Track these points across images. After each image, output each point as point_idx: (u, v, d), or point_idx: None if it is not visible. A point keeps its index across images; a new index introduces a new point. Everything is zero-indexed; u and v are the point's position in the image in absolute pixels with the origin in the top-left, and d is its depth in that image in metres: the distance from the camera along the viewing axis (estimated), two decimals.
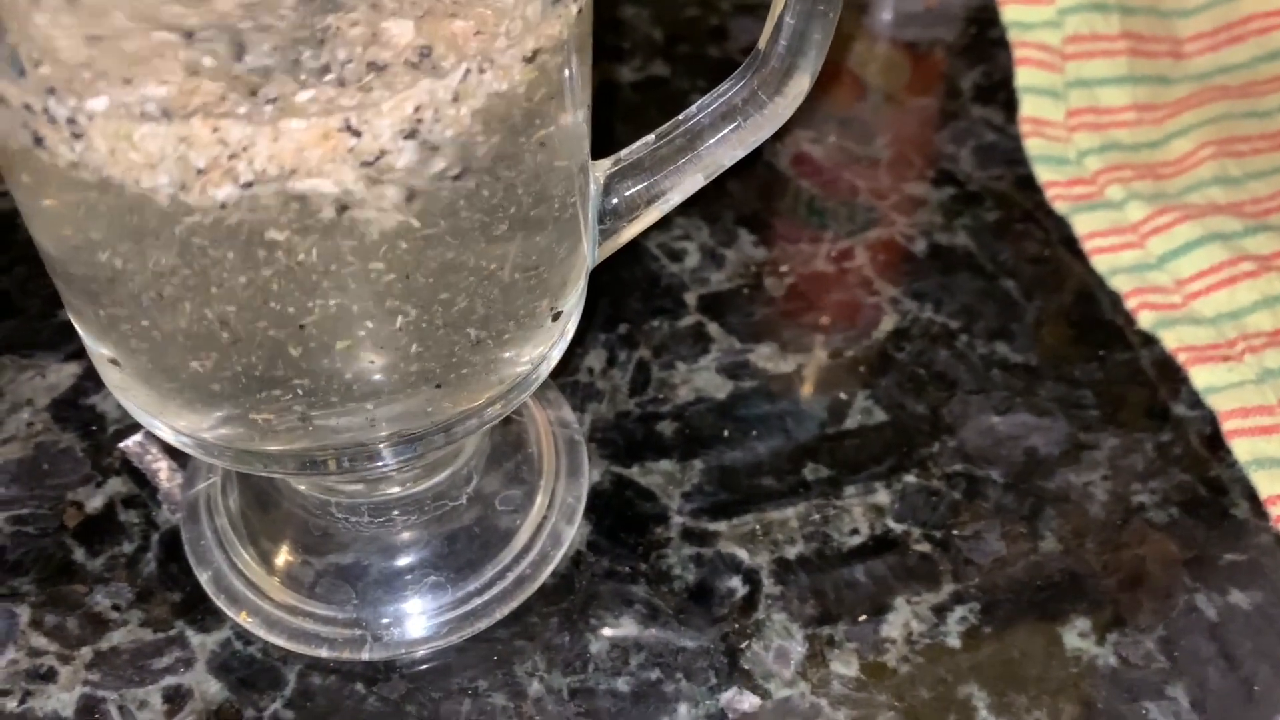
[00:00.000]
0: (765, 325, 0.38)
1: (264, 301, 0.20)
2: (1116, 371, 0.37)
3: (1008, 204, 0.42)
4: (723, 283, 0.39)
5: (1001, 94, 0.45)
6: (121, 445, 0.34)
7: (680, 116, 0.26)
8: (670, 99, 0.45)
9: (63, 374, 0.36)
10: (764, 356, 0.37)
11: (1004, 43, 0.47)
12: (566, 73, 0.22)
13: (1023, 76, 0.43)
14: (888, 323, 0.38)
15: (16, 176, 0.21)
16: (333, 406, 0.23)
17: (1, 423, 0.34)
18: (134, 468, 0.33)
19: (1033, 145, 0.42)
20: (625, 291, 0.39)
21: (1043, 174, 0.42)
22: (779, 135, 0.44)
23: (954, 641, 0.31)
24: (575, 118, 0.23)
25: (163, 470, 0.33)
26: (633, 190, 0.26)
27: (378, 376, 0.23)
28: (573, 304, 0.26)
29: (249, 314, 0.21)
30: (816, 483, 0.34)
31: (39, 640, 0.30)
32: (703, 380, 0.36)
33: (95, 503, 0.33)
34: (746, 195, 0.41)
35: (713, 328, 0.38)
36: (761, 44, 0.25)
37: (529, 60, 0.20)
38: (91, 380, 0.35)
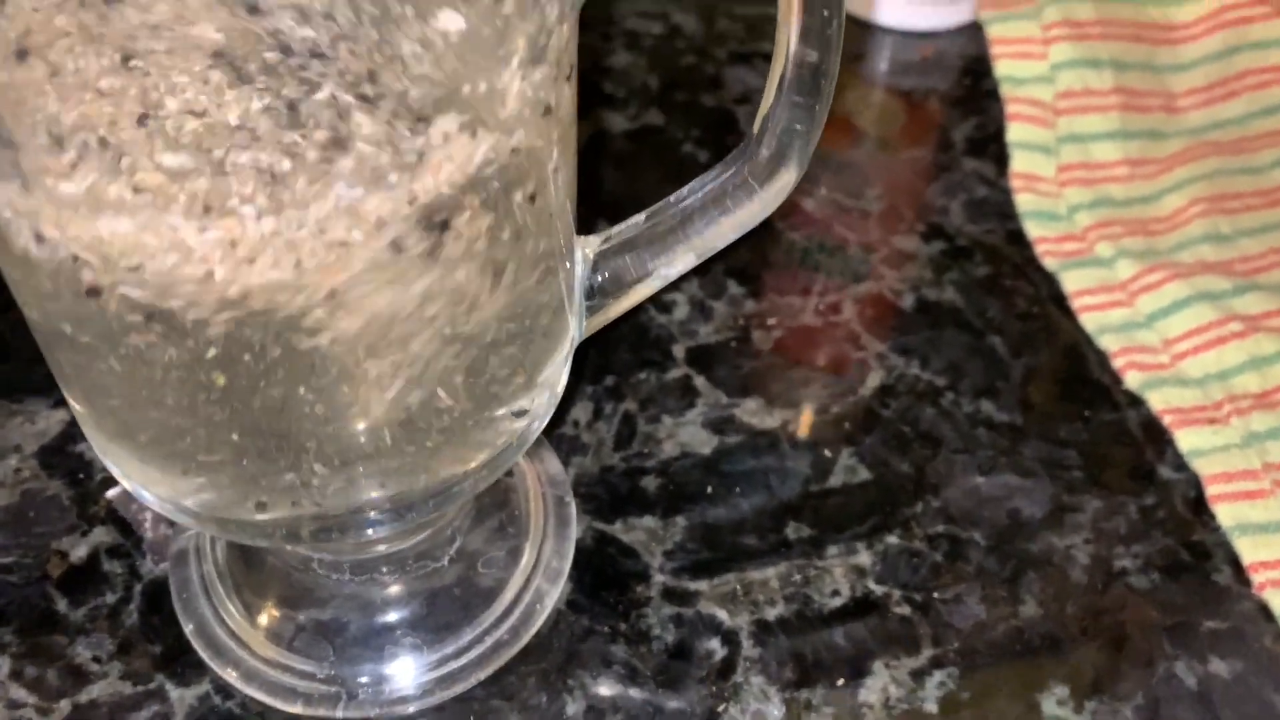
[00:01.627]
0: (752, 379, 0.38)
1: (242, 392, 0.21)
2: (1102, 432, 0.37)
3: (997, 259, 0.42)
4: (711, 335, 0.39)
5: (994, 147, 0.45)
6: (108, 494, 0.34)
7: (671, 198, 0.26)
8: (664, 148, 0.45)
9: (52, 420, 0.36)
10: (750, 411, 0.37)
11: (998, 94, 0.47)
12: (550, 164, 0.22)
13: (1014, 132, 0.43)
14: (874, 379, 0.38)
15: (8, 267, 0.21)
16: (315, 478, 0.24)
17: None
18: (119, 517, 0.34)
19: (1023, 201, 0.42)
20: (613, 343, 0.39)
21: (1033, 229, 0.42)
22: None
23: (931, 707, 0.31)
24: (559, 197, 0.23)
25: (148, 520, 0.33)
26: (622, 268, 0.26)
27: (363, 448, 0.23)
28: (554, 377, 0.26)
29: (225, 403, 0.21)
30: (799, 542, 0.34)
31: (18, 692, 0.30)
32: (688, 434, 0.36)
33: (80, 552, 0.33)
34: (736, 246, 0.41)
35: (700, 381, 0.38)
36: (753, 132, 0.25)
37: (514, 151, 0.20)
38: (78, 430, 0.36)
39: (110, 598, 0.32)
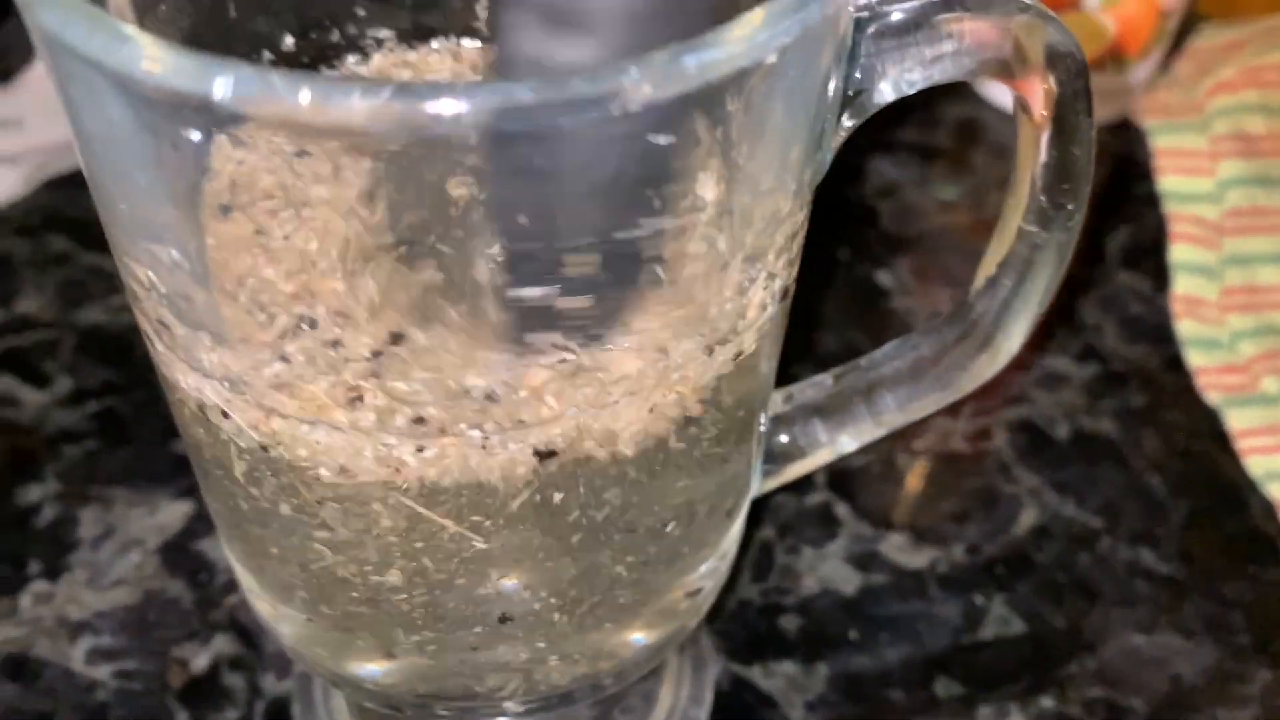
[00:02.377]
0: (898, 509, 0.36)
1: (403, 565, 0.19)
2: (1269, 591, 0.35)
3: (1155, 387, 0.39)
4: (853, 457, 0.37)
5: (1149, 261, 0.43)
6: (230, 601, 0.33)
7: (862, 361, 0.25)
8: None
9: (174, 513, 0.35)
10: (896, 547, 0.35)
11: (1152, 200, 0.45)
12: (771, 348, 0.20)
13: (1177, 252, 0.41)
14: (1027, 518, 0.36)
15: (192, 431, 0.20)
16: (455, 657, 0.22)
17: (112, 563, 0.33)
18: (241, 625, 0.32)
19: (1184, 328, 0.40)
20: None
21: (1194, 358, 0.40)
22: (911, 291, 0.42)
23: None
24: (771, 375, 0.22)
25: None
26: (802, 434, 0.25)
27: (516, 634, 0.22)
28: (731, 543, 0.25)
29: (382, 572, 0.20)
30: (948, 700, 0.32)
31: None
32: (830, 569, 0.34)
33: (201, 662, 0.32)
34: None
35: (842, 509, 0.36)
36: (972, 298, 0.23)
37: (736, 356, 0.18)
38: (203, 522, 0.34)
39: (231, 715, 0.31)
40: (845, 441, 0.25)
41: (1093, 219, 0.44)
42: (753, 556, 0.35)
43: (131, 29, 0.12)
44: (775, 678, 0.32)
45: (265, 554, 0.21)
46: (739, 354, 0.18)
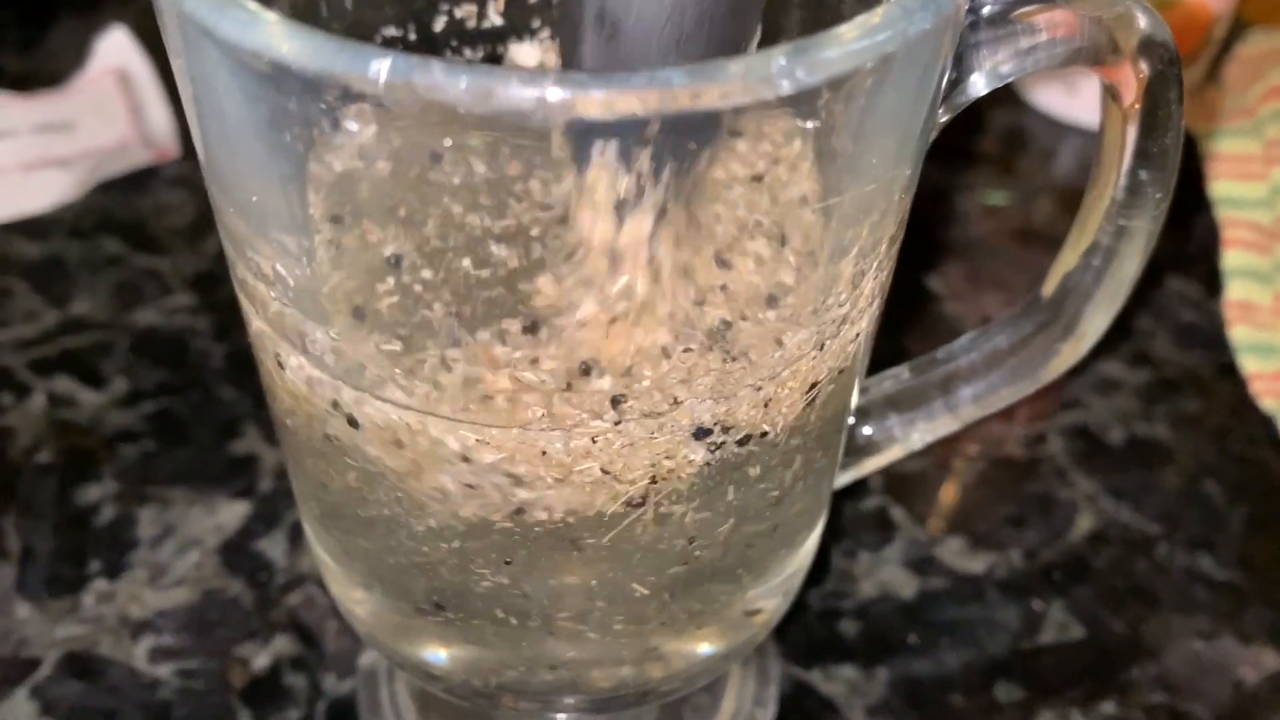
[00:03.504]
0: (954, 514, 0.36)
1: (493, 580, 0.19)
2: None
3: (1209, 394, 0.39)
4: (908, 463, 0.37)
5: (1200, 267, 0.43)
6: (289, 600, 0.33)
7: (939, 353, 0.24)
8: None
9: (232, 513, 0.35)
10: (953, 551, 0.35)
11: (1203, 206, 0.44)
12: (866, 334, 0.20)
13: (1231, 259, 0.41)
14: (1084, 523, 0.36)
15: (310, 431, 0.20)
16: (527, 645, 0.22)
17: (171, 563, 0.34)
18: (301, 624, 0.32)
19: (1238, 333, 0.40)
20: None
21: (1248, 364, 0.39)
22: (961, 295, 0.42)
23: None
24: (864, 364, 0.22)
25: (331, 630, 0.32)
26: (878, 426, 0.25)
27: (600, 628, 0.22)
28: (818, 531, 0.25)
29: (474, 584, 0.20)
30: (1009, 705, 0.32)
31: None
32: (887, 574, 0.34)
33: (261, 661, 0.32)
34: None
35: (897, 513, 0.36)
36: (1046, 290, 0.23)
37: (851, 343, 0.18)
38: (261, 522, 0.35)
39: (294, 714, 0.31)
40: (920, 436, 0.25)
41: None
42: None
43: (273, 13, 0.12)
44: (836, 682, 0.32)
45: (355, 545, 0.21)
46: (845, 349, 0.18)
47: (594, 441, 0.16)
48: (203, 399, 0.38)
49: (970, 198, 0.46)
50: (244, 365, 0.39)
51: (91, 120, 0.45)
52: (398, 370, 0.16)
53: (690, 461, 0.17)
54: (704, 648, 0.23)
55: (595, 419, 0.16)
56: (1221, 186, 0.42)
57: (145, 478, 0.36)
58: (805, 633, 0.33)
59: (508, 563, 0.19)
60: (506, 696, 0.24)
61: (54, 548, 0.34)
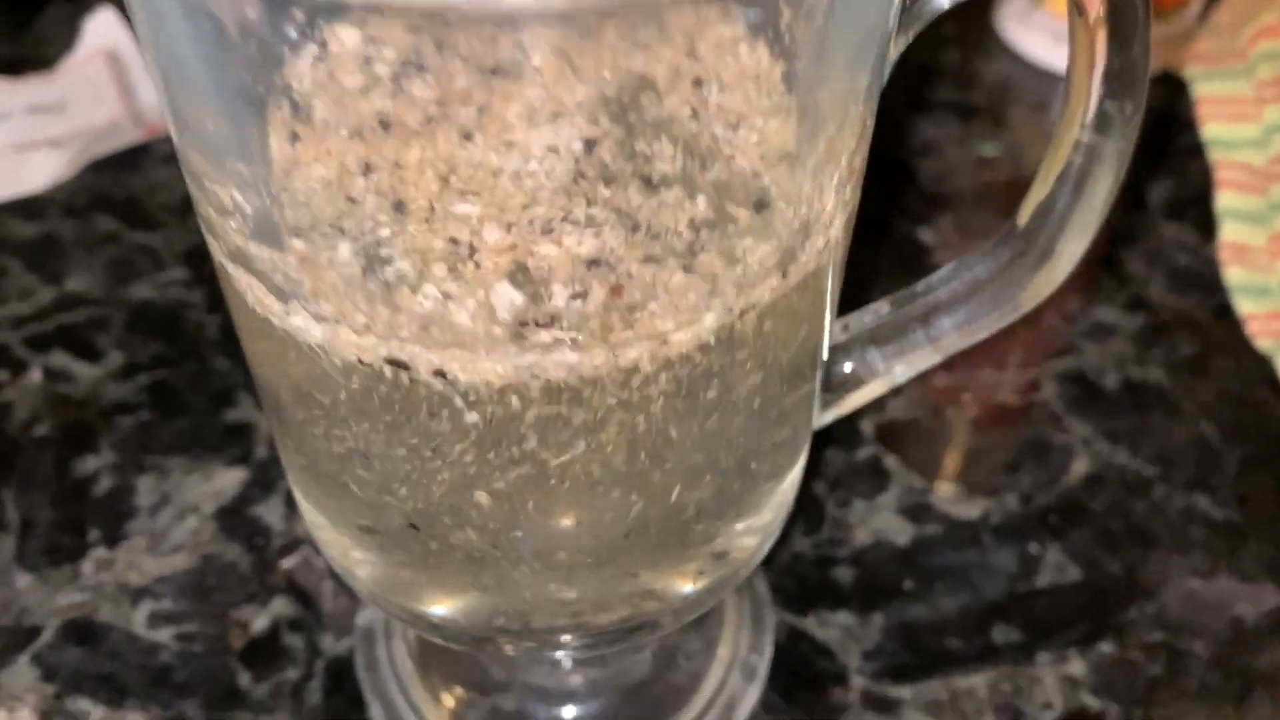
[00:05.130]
0: (948, 461, 0.36)
1: (469, 477, 0.19)
2: None
3: (1204, 336, 0.39)
4: (900, 411, 0.37)
5: (1194, 211, 0.43)
6: (285, 564, 0.33)
7: (918, 286, 0.24)
8: None
9: (229, 479, 0.35)
10: (947, 498, 0.35)
11: (1195, 152, 0.44)
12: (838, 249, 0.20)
13: (1223, 200, 0.41)
14: (1080, 466, 0.36)
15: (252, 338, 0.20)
16: (519, 580, 0.22)
17: (169, 530, 0.34)
18: (299, 587, 0.33)
19: (1232, 274, 0.40)
20: None
21: (1243, 305, 0.39)
22: (954, 247, 0.42)
23: None
24: (837, 291, 0.22)
25: (327, 593, 0.32)
26: (859, 362, 0.25)
27: (575, 552, 0.22)
28: (797, 472, 0.25)
29: (448, 486, 0.20)
30: (1006, 647, 0.32)
31: None
32: (881, 522, 0.34)
33: (260, 623, 0.32)
34: None
35: (890, 461, 0.36)
36: (1021, 220, 0.23)
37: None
38: (257, 487, 0.35)
39: (293, 674, 0.31)
40: (903, 369, 0.25)
41: (1134, 172, 0.43)
42: (803, 510, 0.35)
43: None
44: (831, 628, 0.32)
45: (346, 494, 0.21)
46: (809, 270, 0.18)
47: (547, 353, 0.16)
48: (198, 370, 0.38)
49: (961, 150, 0.46)
50: (238, 336, 0.39)
51: (83, 100, 0.46)
52: (359, 295, 0.16)
53: (651, 376, 0.17)
54: (682, 585, 0.23)
55: (556, 329, 0.16)
56: (1213, 129, 0.42)
57: (142, 448, 0.36)
58: (800, 581, 0.33)
59: (473, 480, 0.19)
60: (503, 639, 0.24)
61: (53, 518, 0.34)
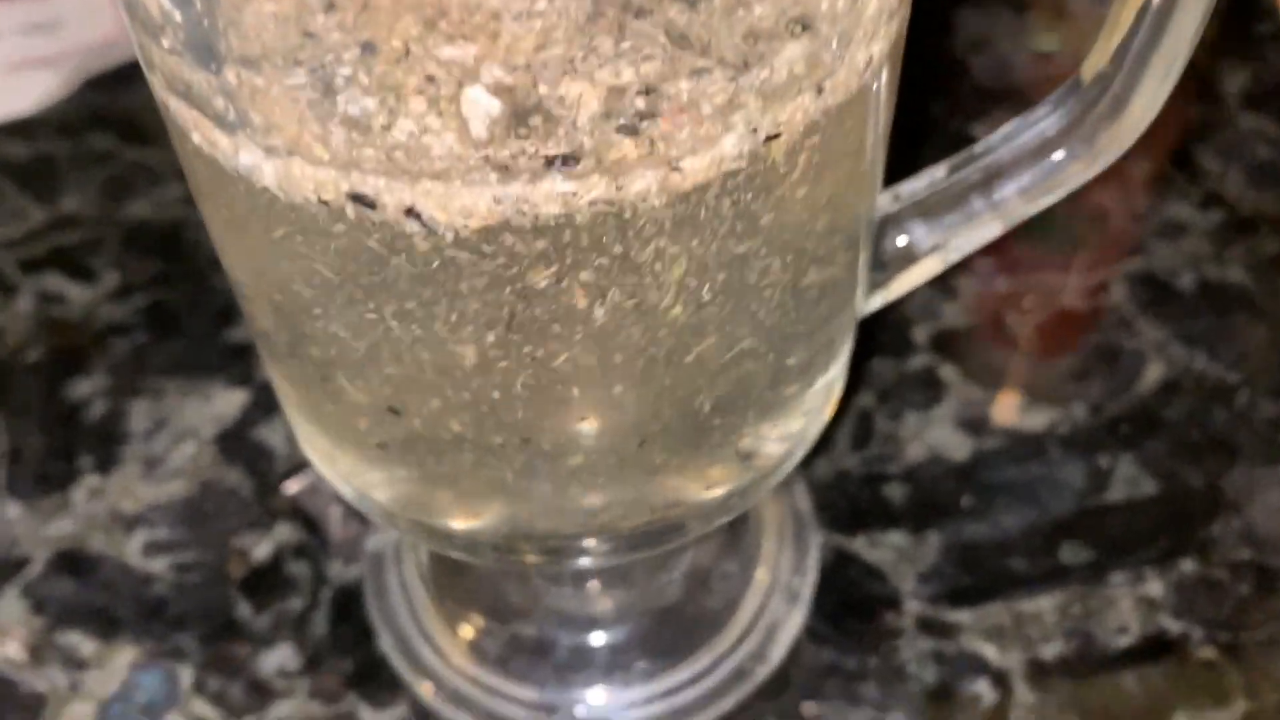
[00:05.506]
0: (1009, 371, 0.33)
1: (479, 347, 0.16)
2: None
3: None
4: (957, 318, 0.34)
5: (1274, 101, 0.39)
6: (290, 489, 0.31)
7: (976, 148, 0.21)
8: None
9: (229, 402, 0.33)
10: (1008, 409, 0.32)
11: (1275, 39, 0.40)
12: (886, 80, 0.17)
13: None
14: (1153, 373, 0.32)
15: (215, 204, 0.17)
16: (534, 478, 0.19)
17: (166, 455, 0.32)
18: (304, 513, 0.30)
19: None
20: None
21: None
22: None
23: None
24: (881, 143, 0.19)
25: (334, 516, 0.30)
26: (913, 235, 0.22)
27: (597, 450, 0.19)
28: (837, 371, 0.22)
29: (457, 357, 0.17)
30: (1076, 567, 0.29)
31: (202, 707, 0.27)
32: (936, 435, 0.31)
33: (262, 551, 0.30)
34: None
35: (946, 370, 0.33)
36: (1091, 65, 0.20)
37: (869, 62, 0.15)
38: (259, 409, 0.32)
39: (296, 603, 0.29)
40: (961, 242, 0.22)
41: (1210, 61, 0.40)
42: (850, 425, 0.32)
43: None
44: (882, 548, 0.29)
45: (335, 394, 0.18)
46: (850, 93, 0.15)
47: (534, 182, 0.14)
48: (196, 289, 0.35)
49: (1015, 43, 0.42)
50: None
51: (77, 17, 0.43)
52: (314, 124, 0.14)
53: (661, 215, 0.14)
54: (704, 489, 0.20)
55: (541, 144, 0.13)
56: None
57: (138, 371, 0.33)
58: (847, 499, 0.30)
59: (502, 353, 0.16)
60: (524, 548, 0.21)
61: (43, 445, 0.32)
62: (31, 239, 0.37)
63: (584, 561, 0.21)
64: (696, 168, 0.14)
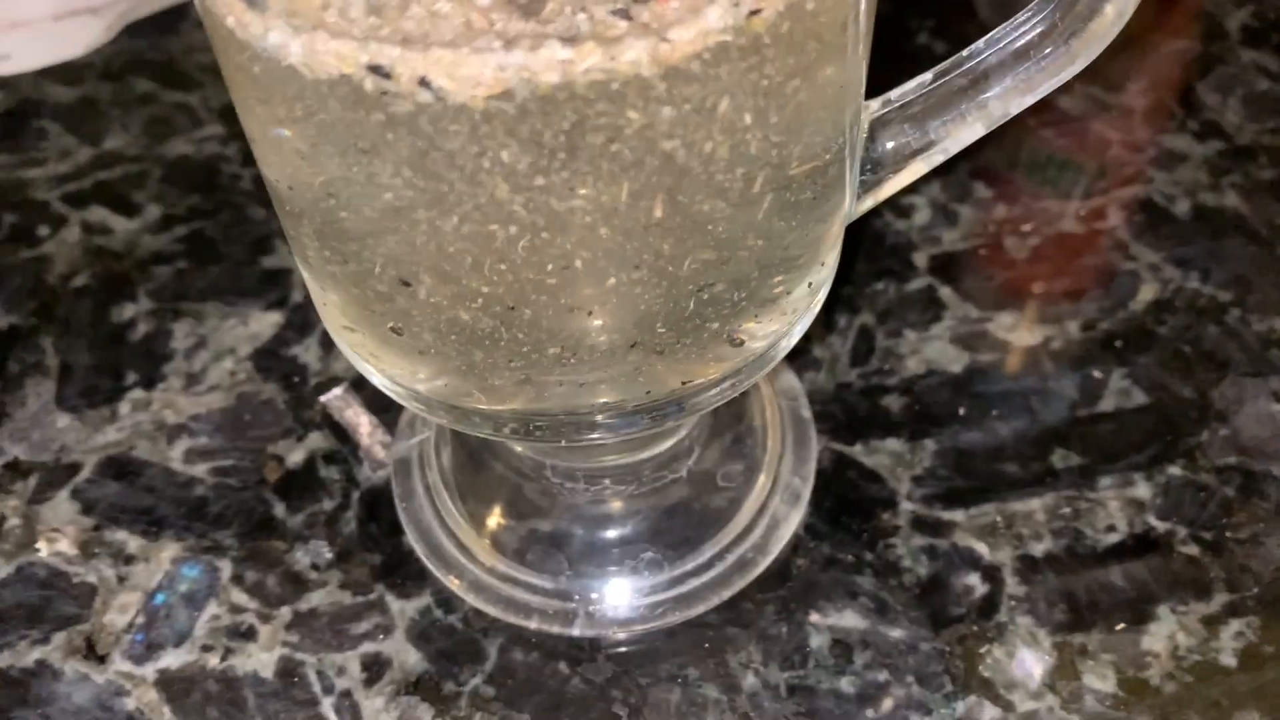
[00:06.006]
0: (1006, 291, 0.34)
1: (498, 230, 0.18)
2: None
3: None
4: (957, 242, 0.35)
5: (1276, 36, 0.40)
6: (323, 398, 0.32)
7: (964, 53, 0.23)
8: (895, 38, 0.41)
9: (265, 323, 0.35)
10: (1004, 326, 0.33)
11: None
12: None
13: None
14: (1147, 292, 0.34)
15: (244, 87, 0.19)
16: (548, 368, 0.21)
17: (206, 371, 0.33)
18: (335, 422, 0.32)
19: None
20: (845, 249, 0.35)
21: None
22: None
23: (1228, 660, 0.27)
24: (861, 34, 0.20)
25: (364, 426, 0.32)
26: (901, 137, 0.23)
27: (599, 335, 0.20)
28: (826, 271, 0.23)
29: (479, 245, 0.18)
30: (1066, 471, 0.30)
31: (240, 597, 0.29)
32: (934, 351, 0.33)
33: (296, 457, 0.32)
34: (983, 144, 0.37)
35: (945, 292, 0.34)
36: None
37: None
38: (293, 330, 0.34)
39: (328, 504, 0.31)
40: (946, 144, 0.23)
41: (1215, 1, 0.41)
42: (850, 343, 0.33)
43: None
44: (879, 454, 0.31)
45: (360, 275, 0.20)
46: None
47: (534, 51, 0.15)
48: (234, 219, 0.37)
49: None
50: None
51: None
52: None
53: (651, 87, 0.16)
54: (696, 370, 0.22)
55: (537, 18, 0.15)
56: None
57: (179, 295, 0.35)
58: (846, 411, 0.32)
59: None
60: (536, 420, 0.23)
61: (91, 363, 0.34)
62: (77, 175, 0.39)
63: (594, 436, 0.23)
64: (684, 38, 0.16)
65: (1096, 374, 0.32)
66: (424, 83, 0.16)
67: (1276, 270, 0.34)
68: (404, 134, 0.17)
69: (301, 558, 0.30)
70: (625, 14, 0.16)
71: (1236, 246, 0.35)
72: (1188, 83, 0.39)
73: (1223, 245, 0.35)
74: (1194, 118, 0.38)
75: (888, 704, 0.27)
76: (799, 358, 0.33)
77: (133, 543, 0.30)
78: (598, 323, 0.20)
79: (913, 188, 0.37)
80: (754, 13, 0.16)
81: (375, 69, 0.16)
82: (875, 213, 0.36)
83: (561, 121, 0.16)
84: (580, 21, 0.16)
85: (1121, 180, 0.36)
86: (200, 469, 0.32)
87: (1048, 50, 0.22)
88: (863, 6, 0.19)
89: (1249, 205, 0.35)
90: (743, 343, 0.22)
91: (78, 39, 0.43)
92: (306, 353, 0.34)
